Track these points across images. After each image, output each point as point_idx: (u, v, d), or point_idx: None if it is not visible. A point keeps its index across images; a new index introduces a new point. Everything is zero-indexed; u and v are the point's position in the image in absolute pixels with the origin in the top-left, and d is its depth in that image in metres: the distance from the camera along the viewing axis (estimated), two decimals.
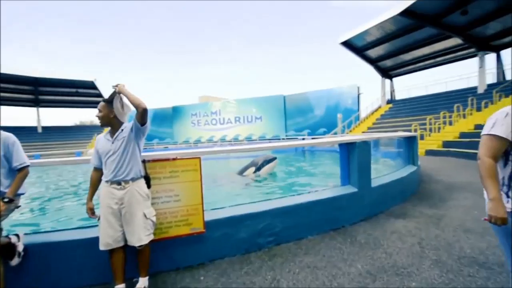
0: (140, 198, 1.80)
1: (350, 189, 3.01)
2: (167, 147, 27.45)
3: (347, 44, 19.23)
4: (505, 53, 15.59)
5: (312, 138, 13.83)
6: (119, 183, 1.78)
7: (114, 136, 1.83)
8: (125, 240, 1.81)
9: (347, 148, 3.09)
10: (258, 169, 6.18)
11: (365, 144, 3.06)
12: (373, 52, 19.70)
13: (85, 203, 1.91)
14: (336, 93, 23.90)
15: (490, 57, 15.71)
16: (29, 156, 1.96)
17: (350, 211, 2.95)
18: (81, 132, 28.48)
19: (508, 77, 15.44)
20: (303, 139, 14.35)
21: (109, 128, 1.89)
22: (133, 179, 1.80)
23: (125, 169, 1.77)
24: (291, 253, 2.32)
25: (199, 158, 2.15)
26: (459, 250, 2.24)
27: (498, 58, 15.66)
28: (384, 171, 4.30)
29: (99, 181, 1.89)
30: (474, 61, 17.32)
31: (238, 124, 27.61)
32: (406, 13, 13.89)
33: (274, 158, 6.35)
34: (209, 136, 28.07)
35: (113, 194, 1.78)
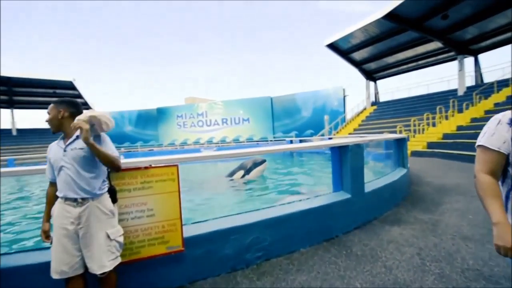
0: (102, 216, 1.50)
1: (343, 196, 2.82)
2: (152, 149, 26.66)
3: (333, 46, 19.41)
4: (482, 57, 16.25)
5: (300, 140, 13.76)
6: (75, 199, 1.47)
7: (67, 143, 1.52)
8: (85, 266, 1.50)
9: (339, 152, 2.91)
10: (247, 172, 5.95)
11: (358, 147, 2.89)
12: (358, 55, 20.00)
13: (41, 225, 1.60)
14: (322, 95, 24.10)
15: (469, 61, 16.31)
16: (3, 161, 1.61)
17: (344, 219, 2.76)
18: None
19: (485, 80, 16.08)
20: (291, 141, 14.25)
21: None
22: (93, 195, 1.50)
23: (82, 183, 1.47)
24: (282, 270, 2.08)
25: (176, 165, 1.87)
26: (461, 261, 2.09)
27: (476, 62, 16.28)
28: (374, 175, 4.18)
29: (56, 197, 1.58)
30: (454, 64, 17.98)
31: (225, 126, 27.25)
32: (389, 16, 14.14)
33: (264, 161, 6.14)
34: (195, 138, 27.53)
35: (68, 212, 1.47)
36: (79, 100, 26.66)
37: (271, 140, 25.15)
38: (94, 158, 1.50)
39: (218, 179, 6.21)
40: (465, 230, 2.69)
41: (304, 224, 2.41)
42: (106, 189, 1.56)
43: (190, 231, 1.99)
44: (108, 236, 1.51)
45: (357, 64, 21.12)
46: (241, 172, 5.94)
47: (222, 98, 27.61)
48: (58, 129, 1.57)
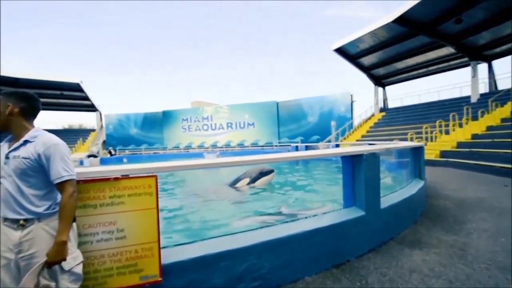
0: (51, 242, 1.17)
1: (355, 213, 2.44)
2: (156, 152, 26.57)
3: (341, 51, 19.06)
4: (496, 63, 15.65)
5: (306, 146, 13.35)
6: (15, 220, 1.15)
7: (11, 148, 1.20)
8: None
9: (351, 162, 2.54)
10: (252, 181, 5.50)
11: (374, 156, 2.52)
12: (366, 60, 19.59)
13: None
14: (329, 101, 23.68)
15: (482, 67, 15.73)
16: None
17: (356, 239, 2.37)
18: (68, 135, 27.24)
19: (499, 87, 15.45)
20: (296, 147, 13.86)
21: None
22: (38, 215, 1.17)
23: (24, 201, 1.15)
24: None
25: (155, 176, 1.54)
26: None
27: (490, 68, 15.68)
28: (386, 188, 3.77)
29: None
30: (464, 71, 17.43)
31: (230, 130, 27.02)
32: (399, 20, 13.75)
33: (272, 171, 5.74)
34: (200, 142, 27.36)
35: (7, 236, 1.14)
36: (86, 102, 26.98)
37: (276, 146, 24.79)
38: (42, 171, 1.18)
39: (218, 187, 5.83)
40: (501, 258, 2.27)
41: (310, 247, 2.04)
42: (58, 208, 1.23)
43: (170, 256, 1.64)
44: (61, 267, 1.18)
45: (365, 69, 20.69)
46: (246, 180, 5.50)
47: (228, 103, 27.46)
48: (5, 128, 1.25)
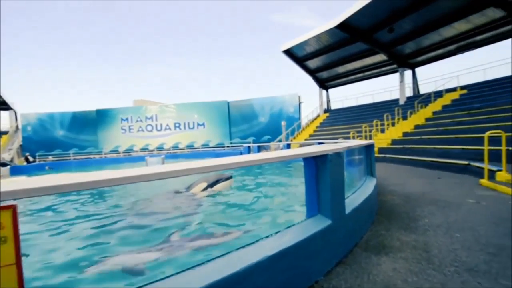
0: None
1: (322, 222, 2.09)
2: (89, 157, 23.22)
3: (289, 53, 19.58)
4: (419, 70, 18.09)
5: (258, 146, 13.14)
6: None
7: None
8: None
9: (315, 164, 2.19)
10: (210, 185, 4.98)
11: (339, 156, 2.22)
12: (312, 63, 20.57)
13: None
14: (279, 101, 24.22)
15: (408, 73, 17.98)
16: None
17: (324, 254, 2.03)
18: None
19: (421, 91, 17.89)
20: (249, 147, 13.54)
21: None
22: None
23: None
24: None
25: (12, 207, 0.87)
26: None
27: (414, 74, 18.04)
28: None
29: None
30: (393, 76, 19.70)
31: (178, 131, 25.38)
32: (341, 26, 14.69)
33: (230, 177, 5.33)
34: (143, 144, 25.00)
35: None
36: None
37: (227, 146, 24.22)
38: None
39: (167, 195, 4.99)
40: (464, 257, 2.20)
41: (273, 276, 1.59)
42: None
43: None
44: None
45: (311, 72, 21.73)
46: (203, 185, 4.94)
47: (176, 102, 25.71)
48: None
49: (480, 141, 7.13)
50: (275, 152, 2.10)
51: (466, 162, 6.03)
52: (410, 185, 5.36)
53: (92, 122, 24.58)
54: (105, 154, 23.54)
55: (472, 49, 15.07)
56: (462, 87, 14.39)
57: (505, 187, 4.10)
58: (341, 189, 2.29)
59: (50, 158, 22.96)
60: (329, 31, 15.62)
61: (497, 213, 3.24)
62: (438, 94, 14.25)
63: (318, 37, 16.78)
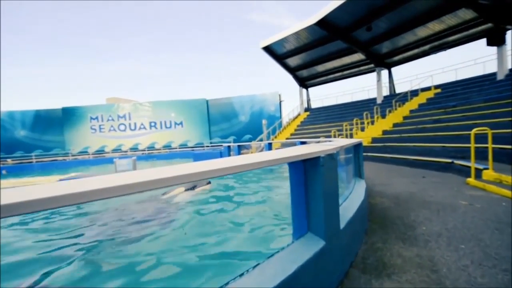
0: None
1: (314, 244, 1.63)
2: (56, 160, 21.35)
3: (269, 50, 19.21)
4: (394, 70, 18.49)
5: (238, 146, 12.60)
6: None
7: None
8: None
9: (303, 169, 1.73)
10: (188, 190, 4.82)
11: (332, 159, 1.77)
12: (292, 61, 20.36)
13: None
14: (259, 100, 23.80)
15: (384, 73, 18.32)
16: None
17: (317, 284, 1.57)
18: None
19: (397, 91, 18.31)
20: (229, 147, 12.97)
21: None
22: None
23: None
24: None
25: None
26: None
27: (390, 74, 18.41)
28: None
29: None
30: (370, 76, 20.03)
31: (154, 130, 24.13)
32: (320, 23, 14.53)
33: (209, 182, 5.29)
34: (116, 144, 23.49)
35: None
36: None
37: (207, 146, 23.42)
38: None
39: (141, 202, 4.35)
40: (479, 277, 1.85)
41: None
42: None
43: None
44: None
45: (291, 70, 21.53)
46: (181, 189, 4.75)
47: (151, 99, 24.38)
48: None
49: (459, 138, 7.16)
50: (254, 156, 1.58)
51: (449, 160, 5.94)
52: (396, 185, 5.13)
53: (57, 121, 22.63)
54: (72, 155, 21.77)
55: (445, 49, 15.59)
56: (436, 86, 14.83)
57: (494, 187, 3.93)
58: (335, 199, 1.85)
59: (9, 161, 20.80)
60: (309, 28, 15.43)
61: (495, 217, 3.00)
62: (414, 93, 14.57)
63: (297, 34, 16.55)
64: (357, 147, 3.86)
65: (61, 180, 8.73)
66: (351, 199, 2.72)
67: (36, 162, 20.05)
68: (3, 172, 15.86)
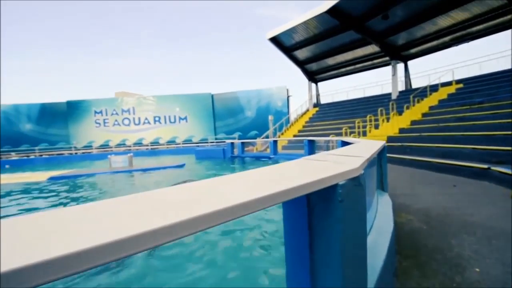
0: None
1: None
2: (62, 154, 21.21)
3: (276, 41, 18.24)
4: (410, 64, 17.24)
5: (242, 143, 11.88)
6: None
7: None
8: None
9: (306, 204, 0.96)
10: None
11: (357, 186, 0.99)
12: (301, 54, 19.35)
13: None
14: (266, 94, 22.95)
15: (400, 66, 17.10)
16: None
17: None
18: None
19: (414, 85, 17.10)
20: (232, 144, 12.26)
21: None
22: None
23: None
24: None
25: None
26: None
27: (406, 68, 17.18)
28: None
29: None
30: (384, 70, 18.80)
31: (158, 125, 23.67)
32: (332, 11, 13.50)
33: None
34: (120, 139, 23.17)
35: None
36: None
37: (211, 142, 22.81)
38: None
39: None
40: None
41: None
42: None
43: None
44: None
45: (300, 63, 20.52)
46: None
47: (156, 94, 23.87)
48: None
49: (492, 140, 6.19)
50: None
51: (485, 166, 5.02)
52: (423, 196, 4.28)
53: (62, 115, 22.45)
54: (76, 150, 21.59)
55: (467, 41, 14.31)
56: (458, 81, 13.62)
57: None
58: (363, 252, 1.08)
59: (13, 154, 20.77)
60: (319, 17, 14.38)
61: None
62: (433, 88, 13.41)
63: (306, 23, 15.51)
64: (381, 151, 3.04)
65: (52, 177, 8.23)
66: (377, 229, 1.93)
67: (39, 156, 19.91)
68: (6, 166, 15.70)
